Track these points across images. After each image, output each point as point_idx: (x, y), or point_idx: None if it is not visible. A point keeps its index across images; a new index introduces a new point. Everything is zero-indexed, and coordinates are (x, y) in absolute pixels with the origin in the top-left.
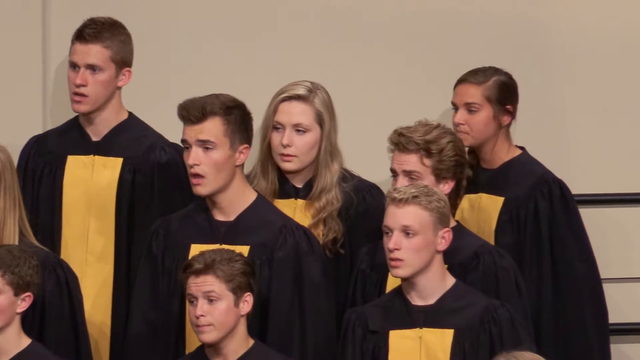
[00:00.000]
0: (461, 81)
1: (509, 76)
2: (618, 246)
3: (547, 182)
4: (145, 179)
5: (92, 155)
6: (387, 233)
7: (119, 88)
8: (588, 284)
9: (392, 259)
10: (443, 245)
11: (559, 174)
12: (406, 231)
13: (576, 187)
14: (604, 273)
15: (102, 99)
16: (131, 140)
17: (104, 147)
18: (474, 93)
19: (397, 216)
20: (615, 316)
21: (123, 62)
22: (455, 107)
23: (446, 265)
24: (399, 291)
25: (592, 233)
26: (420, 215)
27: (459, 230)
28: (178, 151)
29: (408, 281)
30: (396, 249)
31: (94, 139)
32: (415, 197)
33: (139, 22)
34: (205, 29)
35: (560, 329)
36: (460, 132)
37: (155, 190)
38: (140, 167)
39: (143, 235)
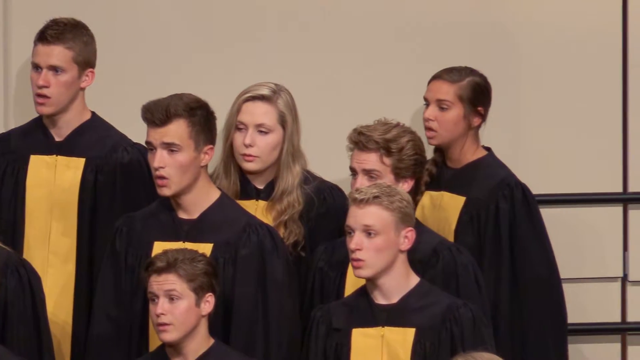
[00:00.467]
0: (436, 77)
1: (484, 78)
2: (581, 246)
3: (510, 184)
4: (108, 179)
5: (55, 156)
6: (349, 233)
7: (82, 89)
8: (547, 286)
9: (354, 259)
10: (406, 244)
11: (521, 173)
12: (367, 231)
13: (538, 188)
14: (565, 273)
15: (65, 100)
16: (94, 140)
17: (66, 148)
18: (446, 90)
19: (358, 216)
20: (576, 316)
21: (86, 63)
22: (427, 103)
23: None
24: (363, 290)
25: (555, 233)
26: (382, 215)
27: (418, 228)
28: (141, 151)
29: (371, 280)
30: (358, 249)
31: (57, 139)
32: (376, 197)
33: (102, 23)
34: (167, 28)
35: (517, 330)
36: (428, 129)
37: (118, 190)
38: (103, 168)
39: (106, 235)
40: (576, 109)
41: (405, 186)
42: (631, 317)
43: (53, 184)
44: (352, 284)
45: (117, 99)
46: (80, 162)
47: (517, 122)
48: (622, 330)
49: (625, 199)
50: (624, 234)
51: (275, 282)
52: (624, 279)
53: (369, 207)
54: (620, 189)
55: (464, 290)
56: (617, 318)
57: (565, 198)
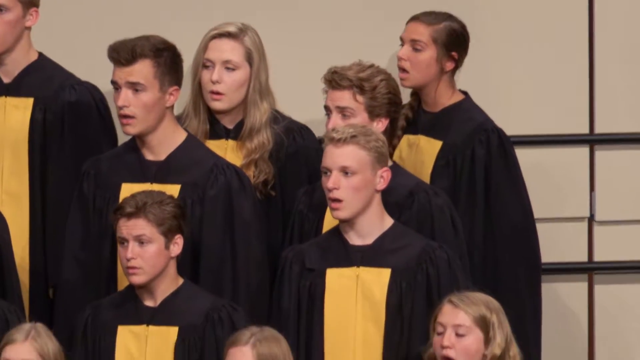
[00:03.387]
0: (413, 19)
1: (462, 25)
2: (548, 187)
3: (486, 130)
4: (56, 118)
5: (3, 97)
6: (326, 173)
7: (28, 28)
8: (522, 231)
9: (332, 200)
10: (382, 184)
11: (496, 115)
12: (345, 171)
13: (505, 129)
14: (540, 213)
15: (10, 40)
16: (41, 80)
17: (14, 88)
18: (422, 31)
19: (336, 156)
20: (544, 256)
21: (30, 1)
22: (402, 43)
23: None
24: (336, 230)
25: (522, 174)
26: (359, 154)
27: (395, 170)
28: (89, 90)
29: (347, 221)
30: (335, 189)
31: (5, 80)
32: (353, 136)
33: None
34: None
35: (490, 274)
36: (401, 70)
37: (67, 129)
38: (51, 107)
39: (57, 175)
40: (543, 49)
41: (380, 126)
42: (598, 257)
43: (2, 126)
44: (329, 225)
45: (83, 41)
46: (29, 102)
47: (483, 63)
48: (588, 270)
49: (591, 140)
50: (590, 174)
51: (243, 222)
52: (591, 219)
53: (346, 146)
54: (586, 130)
55: (440, 233)
56: (584, 258)
57: (532, 139)
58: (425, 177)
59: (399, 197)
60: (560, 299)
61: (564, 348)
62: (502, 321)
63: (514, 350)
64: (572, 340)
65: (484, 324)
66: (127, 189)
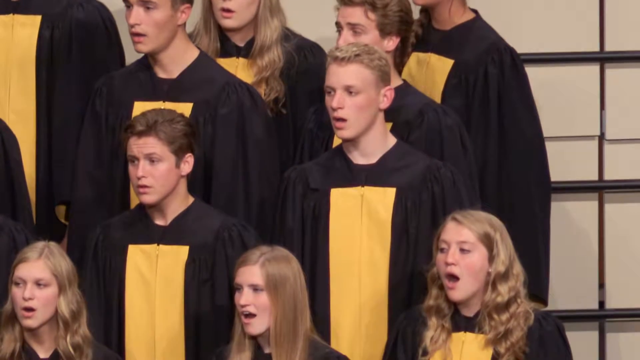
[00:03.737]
0: None
1: None
2: (558, 105)
3: (499, 49)
4: (63, 36)
5: (11, 15)
6: (330, 92)
7: None
8: (533, 148)
9: (336, 119)
10: (385, 103)
11: (506, 33)
12: (349, 90)
13: (516, 47)
14: (550, 131)
15: None
16: None
17: (23, 6)
18: None
19: (340, 75)
20: (554, 174)
21: None
22: None
23: (391, 124)
24: (339, 150)
25: (533, 92)
26: (363, 73)
27: (405, 89)
28: (97, 7)
29: (351, 140)
30: (340, 108)
31: None
32: (357, 55)
33: None
34: None
35: (504, 189)
36: None
37: (74, 47)
38: (59, 24)
39: (64, 93)
40: None
41: (391, 44)
42: (608, 175)
43: (11, 43)
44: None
45: None
46: (37, 19)
47: None
48: (599, 188)
49: (602, 58)
50: (600, 92)
51: (255, 140)
52: (601, 138)
53: (350, 65)
54: (597, 48)
55: (449, 152)
56: (594, 176)
57: (542, 57)
58: (437, 96)
59: (409, 116)
60: (571, 218)
61: (574, 266)
62: (505, 239)
63: (517, 268)
64: (582, 258)
65: (487, 241)
66: (140, 107)
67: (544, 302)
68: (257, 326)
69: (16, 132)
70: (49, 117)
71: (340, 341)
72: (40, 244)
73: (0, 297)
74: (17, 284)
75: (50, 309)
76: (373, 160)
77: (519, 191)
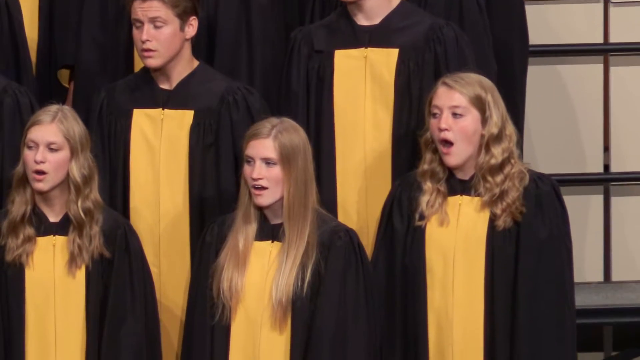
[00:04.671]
0: None
1: None
2: None
3: None
4: None
5: None
6: None
7: None
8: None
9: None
10: None
11: None
12: None
13: None
14: None
15: None
16: None
17: None
18: None
19: None
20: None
21: None
22: None
23: None
24: (344, 11)
25: None
26: None
27: None
28: None
29: (355, 2)
30: None
31: None
32: None
33: None
34: None
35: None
36: None
37: None
38: None
39: None
40: None
41: None
42: (613, 38)
43: None
44: None
45: None
46: None
47: None
48: (604, 51)
49: None
50: None
51: (259, 4)
52: (607, 0)
53: None
54: None
55: (467, 8)
56: (599, 39)
57: None
58: None
59: None
60: (576, 80)
61: (579, 130)
62: (496, 99)
63: (510, 128)
64: (588, 119)
65: (479, 104)
66: None
67: None
68: (267, 197)
69: None
70: None
71: (346, 205)
72: (54, 107)
73: (8, 160)
74: (29, 146)
75: (61, 173)
76: (377, 21)
77: (499, 51)
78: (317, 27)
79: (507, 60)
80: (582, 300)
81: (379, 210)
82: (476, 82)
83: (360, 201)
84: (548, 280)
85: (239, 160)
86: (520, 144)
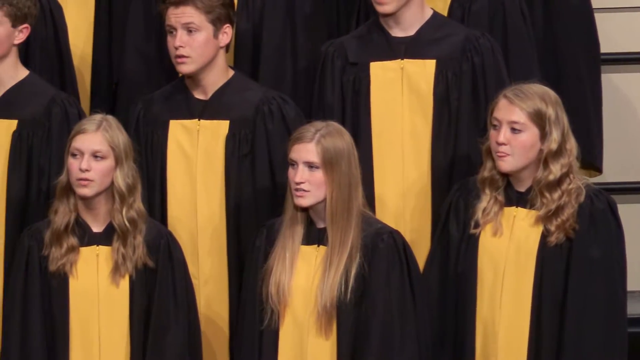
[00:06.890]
0: None
1: None
2: None
3: None
4: None
5: None
6: None
7: None
8: (580, 14)
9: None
10: None
11: None
12: None
13: None
14: (597, 2)
15: None
16: None
17: None
18: None
19: None
20: (607, 46)
21: None
22: None
23: None
24: (376, 23)
25: None
26: None
27: None
28: None
29: (392, 14)
30: None
31: None
32: None
33: None
34: None
35: (551, 59)
36: None
37: None
38: None
39: None
40: None
41: None
42: None
43: None
44: None
45: None
46: None
47: None
48: None
49: None
50: None
51: (304, 14)
52: None
53: None
54: None
55: (511, 21)
56: None
57: None
58: None
59: None
60: (619, 90)
61: (622, 138)
62: (559, 114)
63: (571, 143)
64: (632, 131)
65: (539, 119)
66: None
67: (599, 170)
68: (308, 199)
69: (74, 7)
70: None
71: (385, 214)
72: (99, 116)
73: (56, 170)
74: (73, 155)
75: (106, 181)
76: (411, 32)
77: (567, 63)
78: (349, 40)
79: (574, 70)
80: (633, 309)
81: (417, 218)
82: (537, 96)
83: (397, 211)
84: (598, 300)
85: (274, 169)
86: (599, 153)
